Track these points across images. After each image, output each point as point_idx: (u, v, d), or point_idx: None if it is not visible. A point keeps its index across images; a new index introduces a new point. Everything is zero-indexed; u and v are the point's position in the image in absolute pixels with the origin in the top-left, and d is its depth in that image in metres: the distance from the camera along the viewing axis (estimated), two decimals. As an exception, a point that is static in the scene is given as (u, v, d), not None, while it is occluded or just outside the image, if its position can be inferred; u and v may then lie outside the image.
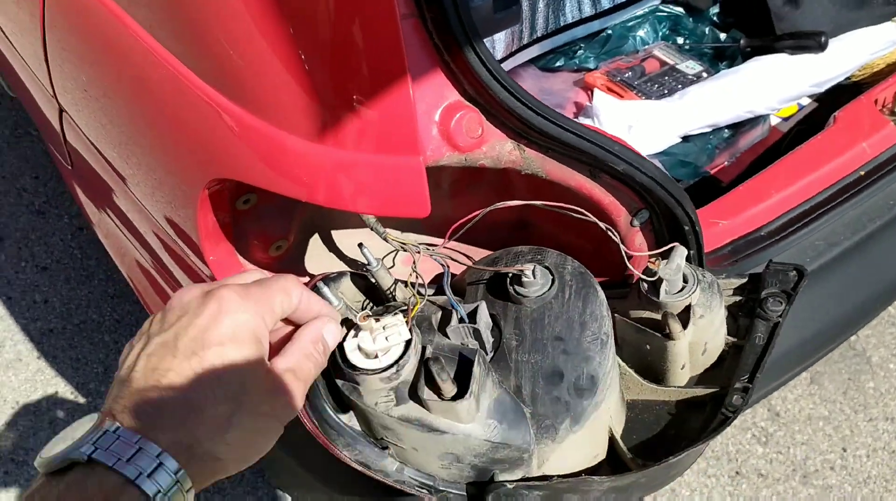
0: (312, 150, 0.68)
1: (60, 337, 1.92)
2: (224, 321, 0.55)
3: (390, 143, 0.67)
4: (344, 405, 0.76)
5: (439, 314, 0.78)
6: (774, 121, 1.39)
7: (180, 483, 0.50)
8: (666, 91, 1.34)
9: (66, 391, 1.86)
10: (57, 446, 0.50)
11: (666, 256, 0.81)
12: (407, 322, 0.72)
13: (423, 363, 0.71)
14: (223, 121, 0.72)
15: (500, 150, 0.73)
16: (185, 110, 0.76)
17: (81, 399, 1.84)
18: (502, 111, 0.70)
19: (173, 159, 0.83)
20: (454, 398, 0.69)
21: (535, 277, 0.78)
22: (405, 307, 0.75)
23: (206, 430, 0.52)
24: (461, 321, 0.76)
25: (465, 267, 0.88)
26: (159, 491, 0.49)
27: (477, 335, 0.76)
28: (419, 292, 0.77)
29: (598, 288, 0.79)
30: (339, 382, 0.72)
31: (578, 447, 0.77)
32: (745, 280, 0.90)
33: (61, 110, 1.03)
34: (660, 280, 0.81)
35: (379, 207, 0.69)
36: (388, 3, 0.61)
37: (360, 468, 0.75)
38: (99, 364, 1.87)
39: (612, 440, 0.81)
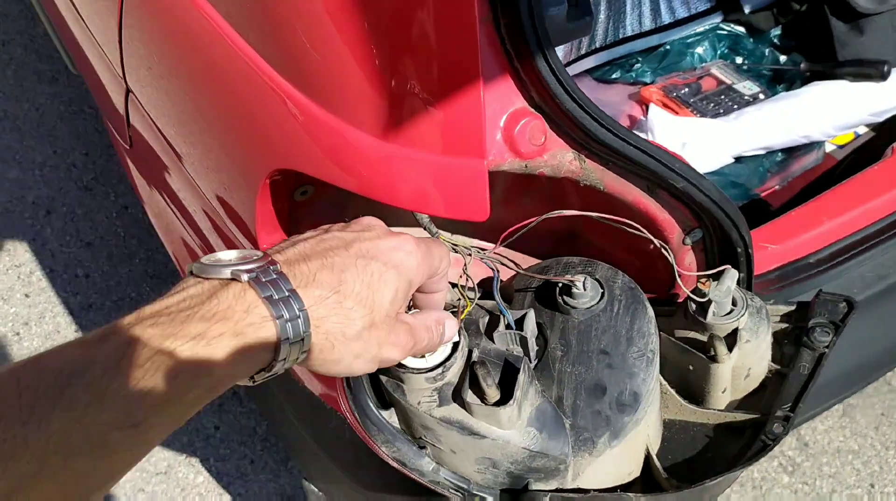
0: (378, 146, 0.68)
1: (99, 313, 1.95)
2: (397, 254, 0.61)
3: (456, 144, 0.67)
4: (385, 401, 0.76)
5: (487, 318, 0.78)
6: (829, 148, 1.38)
7: (303, 341, 0.54)
8: (721, 110, 1.33)
9: (100, 365, 1.89)
10: (215, 260, 0.55)
11: (716, 277, 0.81)
12: (455, 324, 0.72)
13: (469, 366, 0.71)
14: (289, 110, 0.73)
15: (560, 159, 0.73)
16: (252, 96, 0.77)
17: (115, 375, 1.87)
18: (567, 121, 0.70)
19: (234, 143, 0.84)
20: (497, 404, 0.69)
21: (585, 289, 0.79)
22: (454, 309, 0.76)
23: (338, 316, 0.56)
24: (508, 327, 0.77)
25: (512, 273, 0.88)
26: (288, 339, 0.53)
27: (523, 342, 0.77)
28: (469, 295, 0.77)
29: (647, 305, 0.79)
30: (384, 378, 0.73)
31: (615, 462, 0.76)
32: (793, 308, 0.90)
33: (128, 91, 1.05)
34: (709, 302, 0.80)
35: (439, 208, 0.70)
36: (468, 6, 0.61)
37: (396, 465, 0.76)
38: (134, 342, 1.90)
39: (647, 458, 0.81)
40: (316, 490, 1.31)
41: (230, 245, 1.00)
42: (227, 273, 0.53)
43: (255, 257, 0.55)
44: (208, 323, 0.50)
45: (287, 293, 0.53)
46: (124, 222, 2.09)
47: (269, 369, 0.55)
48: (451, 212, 0.70)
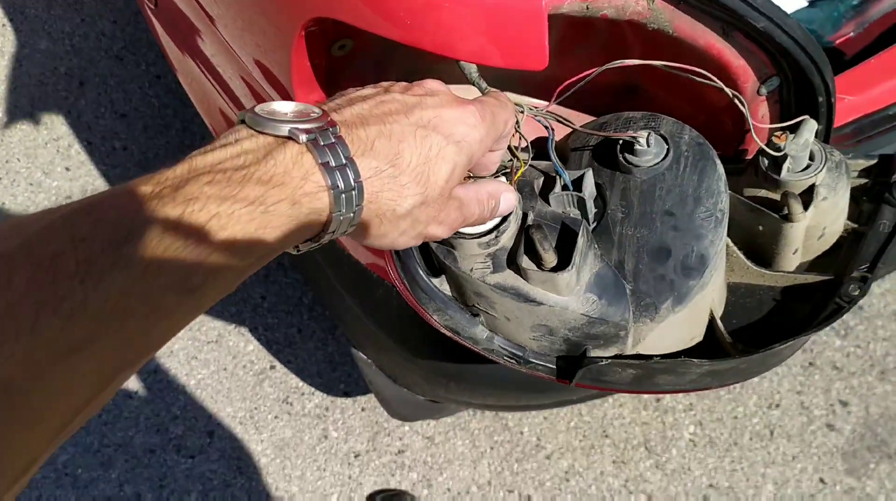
0: (422, -12, 0.61)
1: (140, 185, 1.94)
2: (459, 127, 0.57)
3: (510, -18, 0.60)
4: (436, 268, 0.73)
5: (541, 179, 0.73)
6: (911, -11, 1.25)
7: (354, 215, 0.52)
8: (793, -51, 1.21)
9: (145, 238, 1.89)
10: (270, 112, 0.51)
11: (793, 129, 0.74)
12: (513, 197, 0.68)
13: (525, 230, 0.67)
14: (323, -48, 0.66)
15: (626, -1, 0.66)
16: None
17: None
18: (634, -47, 0.62)
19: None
20: (555, 270, 0.65)
21: (648, 145, 0.72)
22: (507, 170, 0.71)
23: (391, 191, 0.54)
24: (565, 188, 0.71)
25: (567, 131, 0.82)
26: (340, 212, 0.50)
27: (581, 204, 0.72)
28: (522, 156, 0.72)
29: (717, 161, 0.73)
30: (433, 245, 0.69)
31: (677, 327, 0.73)
32: (874, 162, 0.82)
33: (147, -60, 0.97)
34: (784, 156, 0.74)
35: (493, 56, 0.63)
36: None
37: (449, 333, 0.73)
38: (177, 214, 1.90)
39: (711, 322, 0.77)
40: (365, 357, 1.31)
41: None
42: (284, 130, 0.49)
43: (312, 115, 0.51)
44: (265, 187, 0.47)
45: (344, 161, 0.50)
46: (157, 92, 2.04)
47: (315, 240, 0.52)
48: (507, 61, 0.63)
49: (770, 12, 0.66)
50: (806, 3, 1.16)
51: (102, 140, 2.00)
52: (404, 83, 0.59)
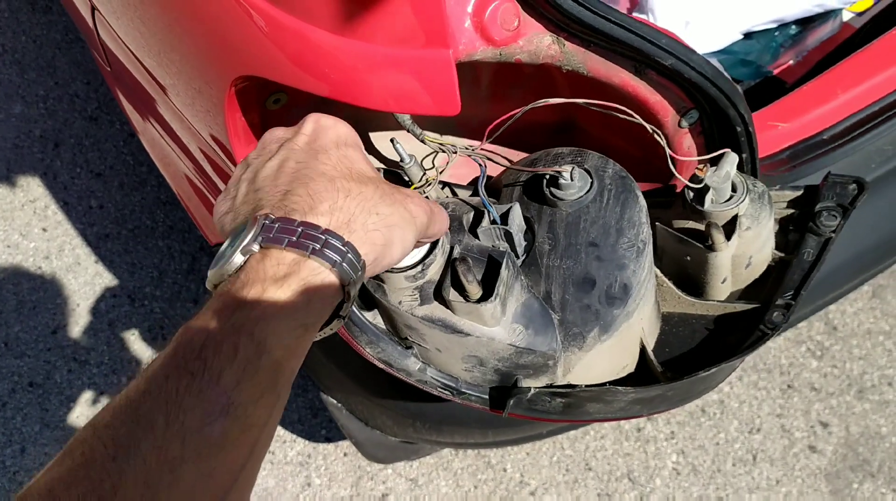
0: (337, 43, 0.64)
1: (116, 242, 1.96)
2: (328, 133, 0.58)
3: (417, 35, 0.63)
4: (369, 302, 0.75)
5: (471, 214, 0.75)
6: (847, 16, 1.29)
7: (351, 254, 0.52)
8: (728, -17, 1.25)
9: (123, 294, 1.91)
10: (221, 259, 0.52)
11: (715, 162, 0.77)
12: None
13: (451, 263, 0.69)
14: (248, 15, 0.68)
15: (538, 44, 0.69)
16: (212, 6, 0.73)
17: (138, 303, 1.89)
18: (540, 1, 0.65)
19: (203, 61, 0.80)
20: (479, 301, 0.67)
21: (572, 179, 0.75)
22: (419, 185, 0.75)
23: (358, 204, 0.54)
24: (493, 222, 0.74)
25: (504, 170, 0.84)
26: (336, 262, 0.51)
27: (508, 237, 0.74)
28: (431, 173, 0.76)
29: (639, 193, 0.75)
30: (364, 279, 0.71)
31: (606, 356, 0.74)
32: (800, 193, 0.85)
33: (93, 8, 1.00)
34: (706, 188, 0.76)
35: (407, 104, 0.66)
36: None
37: (382, 365, 0.75)
38: (153, 269, 1.91)
39: (643, 351, 0.79)
40: (334, 401, 1.32)
41: (224, 177, 0.97)
42: (236, 261, 0.51)
43: (243, 231, 0.52)
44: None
45: (300, 230, 0.51)
46: (132, 150, 2.08)
47: (348, 290, 0.53)
48: (422, 108, 0.66)
49: (675, 50, 0.68)
50: (741, 36, 1.20)
51: (79, 199, 2.02)
52: (255, 151, 0.60)
